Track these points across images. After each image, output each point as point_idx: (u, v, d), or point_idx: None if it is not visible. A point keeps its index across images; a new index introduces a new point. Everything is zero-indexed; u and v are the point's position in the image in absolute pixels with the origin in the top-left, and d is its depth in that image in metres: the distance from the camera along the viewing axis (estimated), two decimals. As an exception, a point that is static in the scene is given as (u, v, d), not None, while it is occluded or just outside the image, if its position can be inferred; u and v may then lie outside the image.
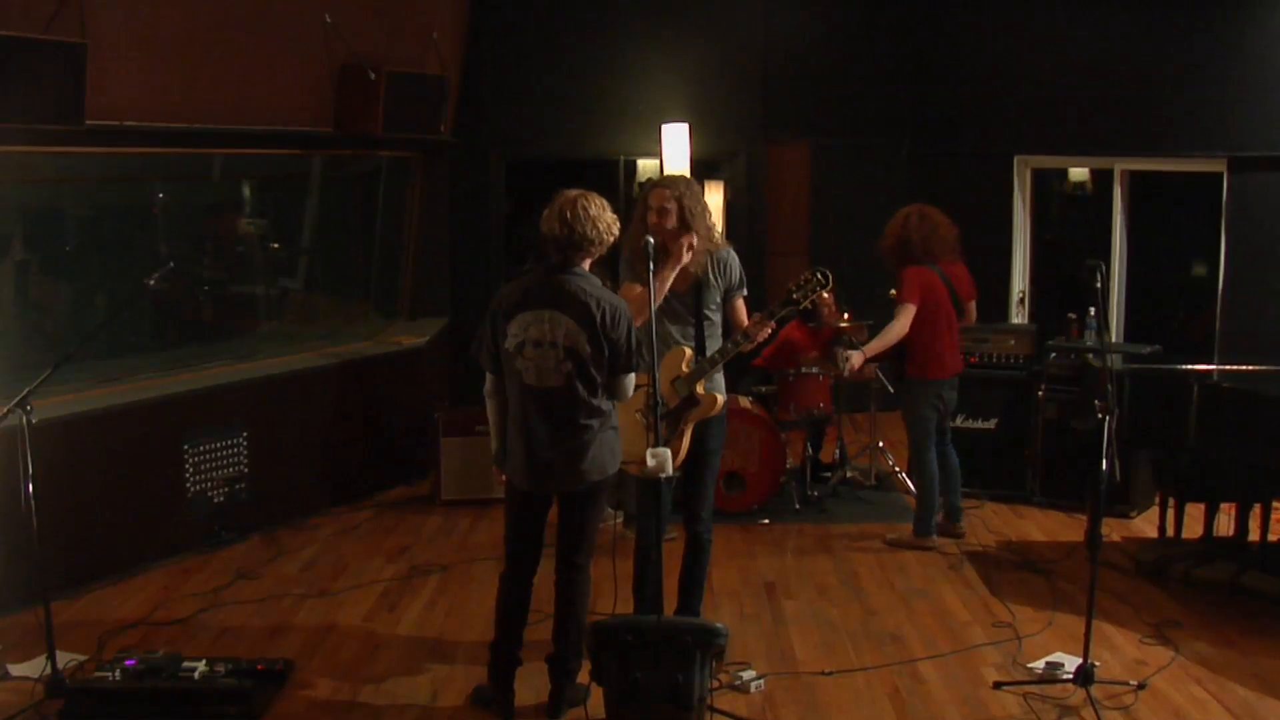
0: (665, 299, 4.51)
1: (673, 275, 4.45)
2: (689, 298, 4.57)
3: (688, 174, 8.35)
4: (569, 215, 4.02)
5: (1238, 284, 7.30)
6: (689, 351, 4.53)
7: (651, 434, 4.12)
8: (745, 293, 4.67)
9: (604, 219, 4.08)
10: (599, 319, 4.02)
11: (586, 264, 4.14)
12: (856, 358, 5.97)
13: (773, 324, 4.44)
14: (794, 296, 4.41)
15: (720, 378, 4.65)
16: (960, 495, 6.35)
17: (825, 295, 4.45)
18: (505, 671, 4.31)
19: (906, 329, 5.95)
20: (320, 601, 5.46)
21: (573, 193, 4.09)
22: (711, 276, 4.56)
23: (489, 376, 4.25)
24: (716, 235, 4.63)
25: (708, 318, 4.59)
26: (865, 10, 9.20)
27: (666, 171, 8.36)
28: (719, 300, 4.61)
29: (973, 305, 6.29)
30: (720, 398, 4.56)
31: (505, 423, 4.27)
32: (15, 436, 4.35)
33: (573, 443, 4.11)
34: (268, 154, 7.14)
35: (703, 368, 4.49)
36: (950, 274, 6.09)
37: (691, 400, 4.49)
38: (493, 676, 4.32)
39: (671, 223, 4.48)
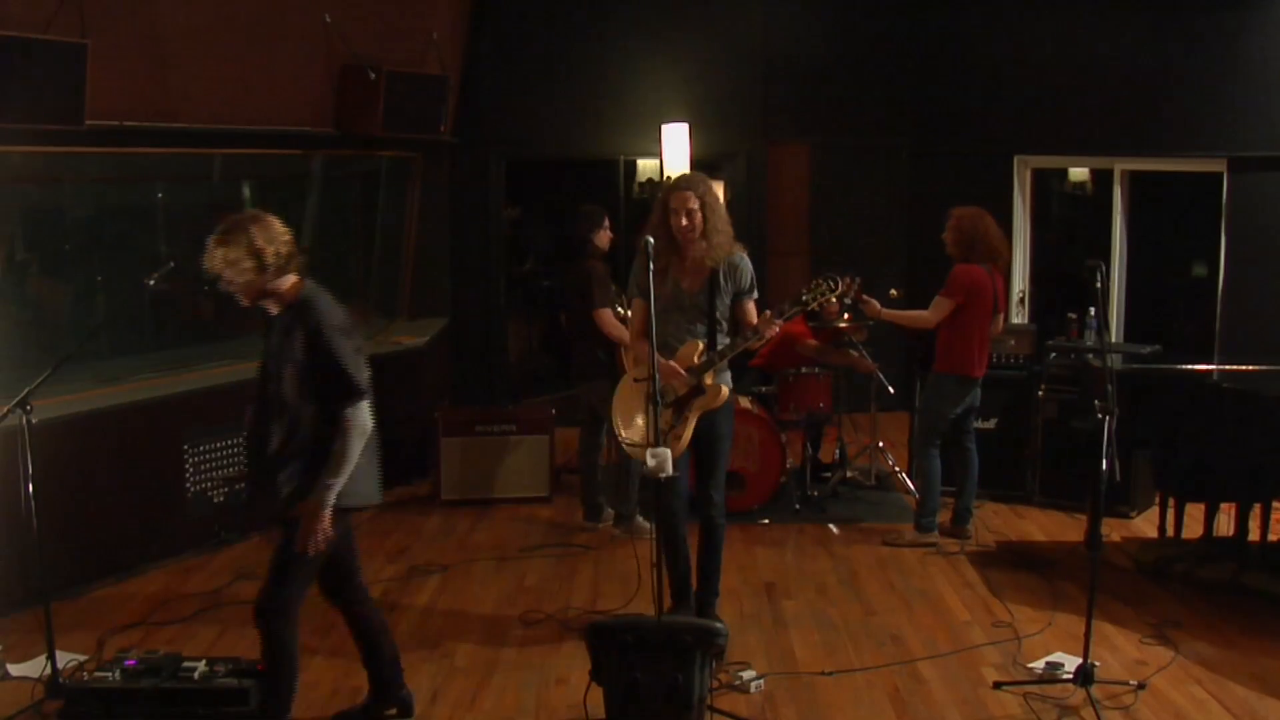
0: (678, 296, 4.68)
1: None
2: (701, 296, 4.70)
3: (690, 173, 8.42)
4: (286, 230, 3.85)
5: (1238, 284, 7.29)
6: (702, 344, 4.69)
7: (651, 432, 4.14)
8: (755, 295, 4.79)
9: None
10: None
11: None
12: (874, 307, 6.14)
13: (780, 322, 4.58)
14: (804, 299, 4.57)
15: (727, 372, 4.80)
16: (973, 498, 6.34)
17: (833, 300, 4.62)
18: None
19: (932, 322, 6.01)
20: (321, 601, 5.44)
21: (252, 212, 3.91)
22: (722, 279, 4.68)
23: (367, 402, 3.80)
24: (731, 238, 4.75)
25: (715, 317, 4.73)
26: (865, 10, 9.20)
27: (668, 172, 8.35)
28: (728, 302, 4.73)
29: (1000, 318, 6.30)
30: (725, 389, 4.72)
31: None
32: (15, 436, 4.36)
33: None
34: (268, 154, 7.14)
35: (712, 360, 4.65)
36: (995, 281, 6.11)
37: (698, 389, 4.66)
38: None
39: (698, 225, 4.61)
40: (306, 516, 3.74)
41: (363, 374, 3.79)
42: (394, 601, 5.46)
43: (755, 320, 4.68)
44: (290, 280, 3.83)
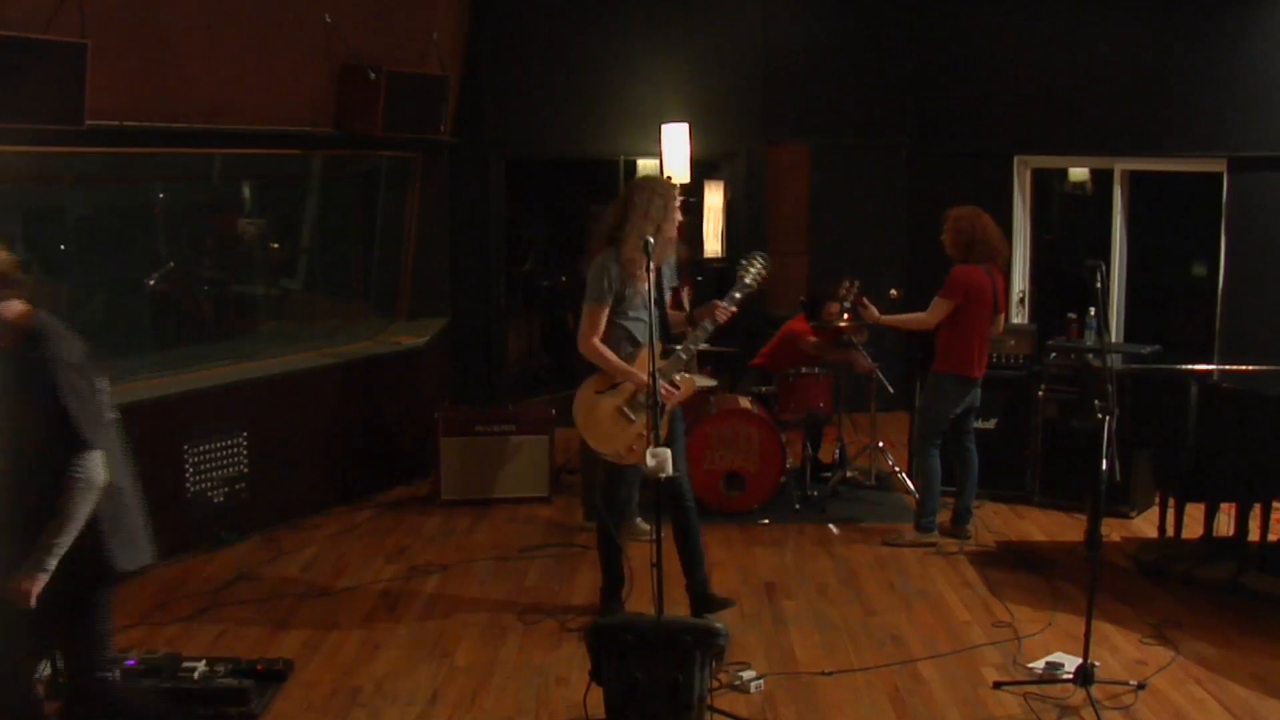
0: (644, 296, 4.71)
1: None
2: (655, 293, 4.76)
3: (686, 175, 8.44)
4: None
5: (1238, 284, 7.30)
6: (660, 345, 4.78)
7: (650, 434, 4.15)
8: (675, 284, 5.23)
9: None
10: None
11: None
12: (872, 313, 6.30)
13: (734, 310, 4.85)
14: (747, 282, 4.84)
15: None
16: (973, 497, 6.34)
17: (764, 271, 4.90)
18: None
19: (931, 324, 6.02)
20: (320, 601, 5.46)
21: None
22: (666, 274, 4.95)
23: (98, 453, 3.32)
24: None
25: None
26: (865, 10, 9.20)
27: (668, 172, 8.36)
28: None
29: (1000, 318, 6.30)
30: (694, 380, 5.10)
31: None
32: (15, 436, 4.34)
33: None
34: (268, 154, 7.13)
35: (680, 359, 4.83)
36: (995, 281, 6.12)
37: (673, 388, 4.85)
38: None
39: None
40: (22, 577, 3.23)
41: (95, 422, 3.35)
42: (394, 601, 5.47)
43: (671, 312, 5.03)
44: (15, 309, 3.37)
